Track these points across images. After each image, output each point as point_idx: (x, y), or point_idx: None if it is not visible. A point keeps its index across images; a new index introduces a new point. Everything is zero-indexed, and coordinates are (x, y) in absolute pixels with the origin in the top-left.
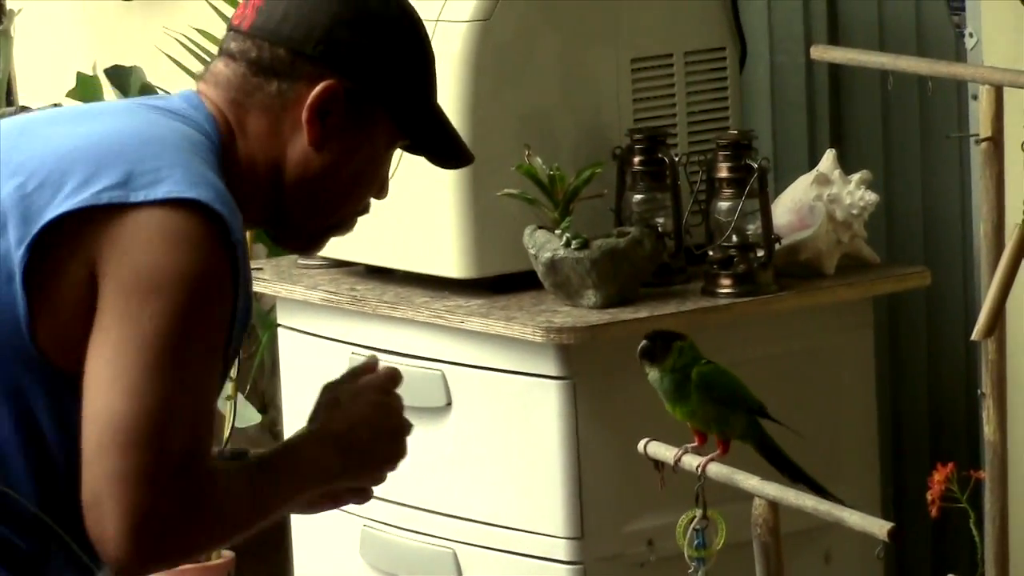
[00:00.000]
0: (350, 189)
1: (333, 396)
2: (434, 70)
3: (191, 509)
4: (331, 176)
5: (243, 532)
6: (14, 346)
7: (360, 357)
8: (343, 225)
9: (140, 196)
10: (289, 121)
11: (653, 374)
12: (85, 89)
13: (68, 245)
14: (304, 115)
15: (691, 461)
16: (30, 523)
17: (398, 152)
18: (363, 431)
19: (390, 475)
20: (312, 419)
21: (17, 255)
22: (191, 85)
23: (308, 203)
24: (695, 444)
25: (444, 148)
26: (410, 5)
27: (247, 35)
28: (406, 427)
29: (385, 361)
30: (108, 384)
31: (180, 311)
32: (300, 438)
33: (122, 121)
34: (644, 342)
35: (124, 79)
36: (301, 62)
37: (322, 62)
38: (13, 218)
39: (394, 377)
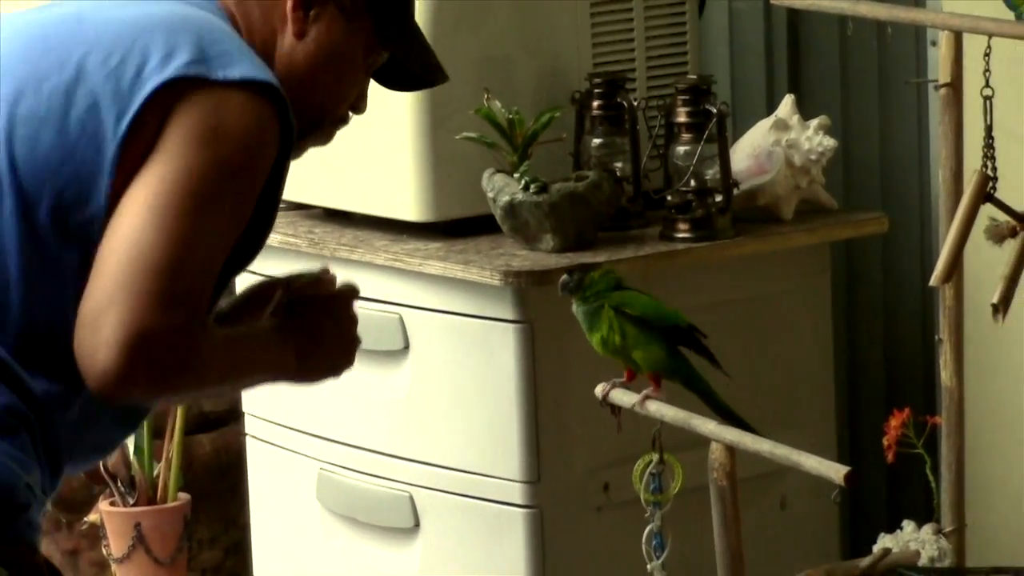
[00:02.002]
0: (330, 87)
1: (294, 301)
2: None
3: (184, 340)
4: (311, 69)
5: (207, 390)
6: (83, 208)
7: None
8: (322, 128)
9: (219, 74)
10: (279, 14)
11: (575, 306)
12: None
13: (156, 114)
14: (289, 3)
15: (621, 397)
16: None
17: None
18: (319, 342)
19: (347, 419)
20: (273, 314)
21: (120, 129)
22: None
23: (294, 94)
24: (623, 380)
25: (419, 64)
26: None
27: None
28: (356, 342)
29: None
30: (141, 210)
31: (227, 167)
32: (265, 330)
33: (168, 7)
34: (564, 276)
35: None
36: None
37: None
38: (105, 94)
39: (352, 294)
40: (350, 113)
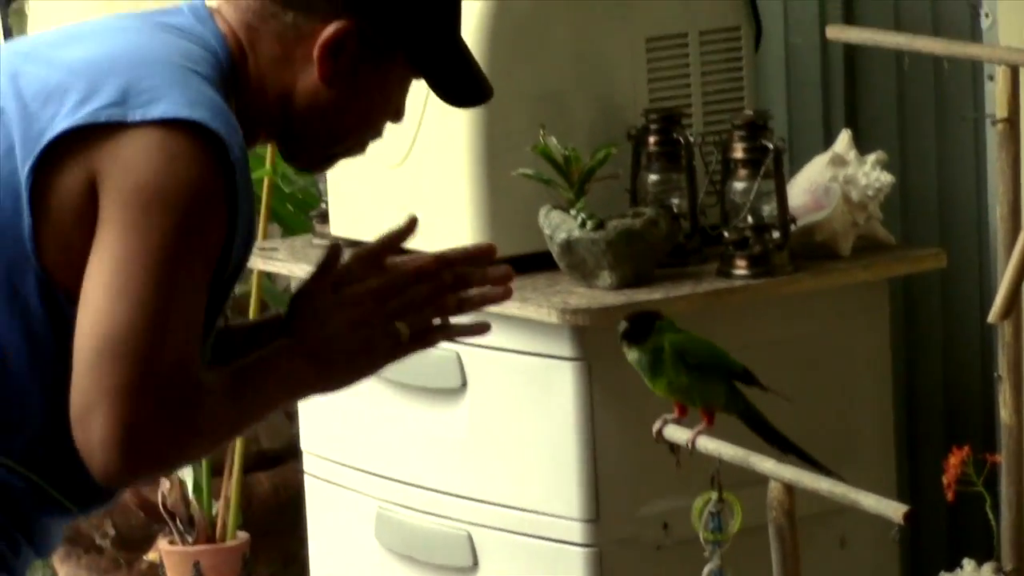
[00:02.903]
0: (360, 121)
1: (312, 307)
2: (459, 5)
3: (179, 422)
4: (341, 109)
5: (224, 442)
6: (18, 262)
7: None
8: (353, 150)
9: (138, 115)
10: (301, 53)
11: (632, 354)
12: None
13: (70, 161)
14: (315, 52)
15: (674, 433)
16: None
17: (422, 105)
18: (339, 347)
19: (405, 458)
20: (289, 326)
21: (23, 172)
22: None
23: (317, 130)
24: (675, 416)
25: (460, 87)
26: None
27: None
28: (381, 343)
29: None
30: (102, 295)
31: (174, 228)
32: (278, 350)
33: (125, 39)
34: (624, 324)
35: None
36: None
37: (337, 1)
38: (18, 137)
39: (382, 289)
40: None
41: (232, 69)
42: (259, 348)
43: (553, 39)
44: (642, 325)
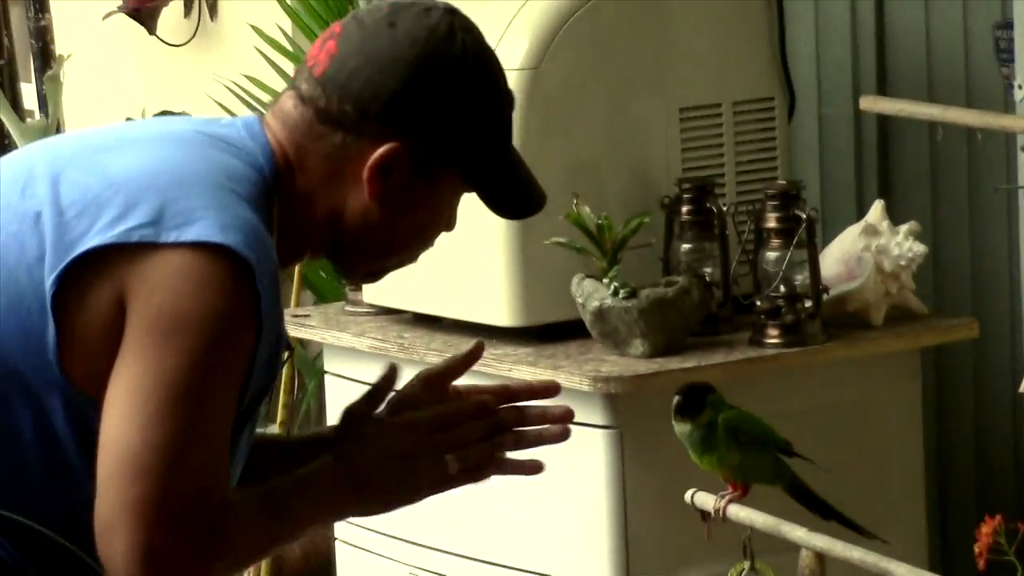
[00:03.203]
0: (412, 236)
1: (361, 430)
2: (509, 114)
3: (201, 546)
4: (392, 226)
5: (255, 560)
6: (40, 370)
7: None
8: (404, 262)
9: (171, 237)
10: (351, 172)
11: (684, 427)
12: None
13: (99, 277)
14: (365, 174)
15: (705, 501)
16: (29, 539)
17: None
18: (383, 476)
19: (437, 524)
20: (335, 447)
21: (48, 281)
22: None
23: (368, 247)
24: (732, 493)
25: (513, 199)
26: (489, 51)
27: (318, 81)
28: (427, 474)
29: None
30: (125, 415)
31: (199, 352)
32: (317, 471)
33: (170, 152)
34: (678, 398)
35: None
36: (367, 122)
37: (388, 124)
38: (50, 245)
39: (439, 419)
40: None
41: (278, 184)
42: (300, 464)
43: (587, 108)
44: (695, 399)
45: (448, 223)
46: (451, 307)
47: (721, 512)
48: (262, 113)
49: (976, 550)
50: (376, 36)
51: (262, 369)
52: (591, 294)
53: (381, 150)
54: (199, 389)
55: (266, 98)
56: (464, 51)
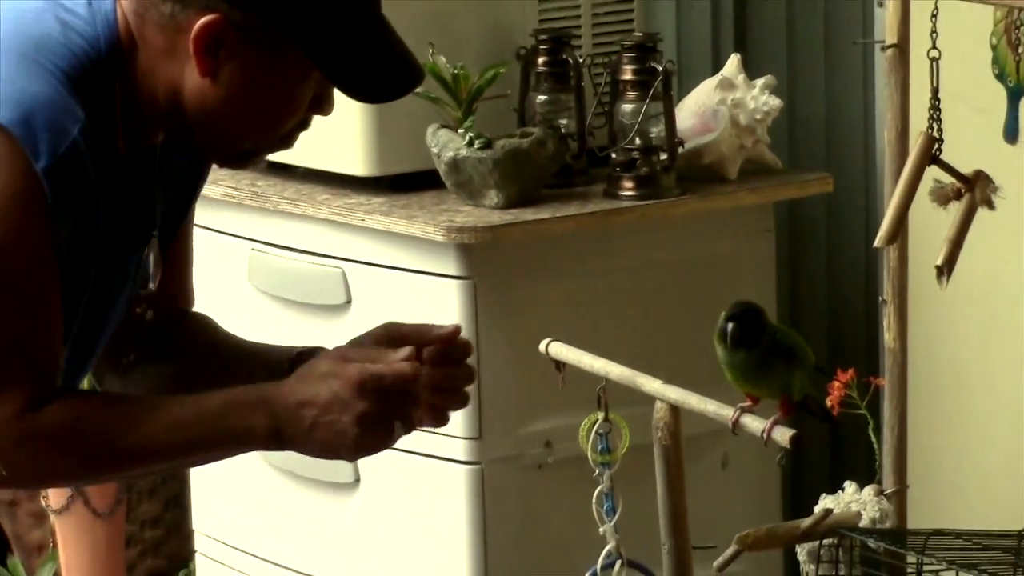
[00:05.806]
0: (262, 116)
1: (311, 368)
2: None
3: (27, 439)
4: (232, 105)
5: (119, 464)
6: None
7: (260, 253)
8: (271, 146)
9: None
10: (183, 45)
11: (734, 356)
12: None
13: None
14: (190, 47)
15: (750, 423)
16: None
17: None
18: (308, 417)
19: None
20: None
21: None
22: None
23: (213, 129)
24: (748, 404)
25: (370, 81)
26: None
27: None
28: (361, 435)
29: (284, 258)
30: None
31: None
32: (245, 393)
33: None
34: (731, 325)
35: None
36: None
37: None
38: None
39: (395, 385)
40: (312, 117)
41: (120, 58)
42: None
43: None
44: (752, 325)
45: (319, 104)
46: (305, 156)
47: (735, 424)
48: None
49: (828, 403)
50: None
51: (70, 239)
52: (446, 144)
53: (201, 21)
54: None
55: None
56: None
